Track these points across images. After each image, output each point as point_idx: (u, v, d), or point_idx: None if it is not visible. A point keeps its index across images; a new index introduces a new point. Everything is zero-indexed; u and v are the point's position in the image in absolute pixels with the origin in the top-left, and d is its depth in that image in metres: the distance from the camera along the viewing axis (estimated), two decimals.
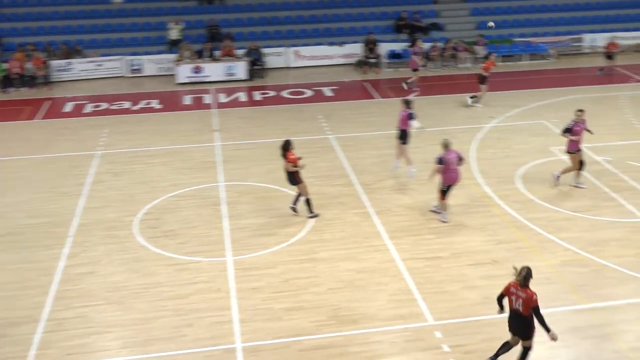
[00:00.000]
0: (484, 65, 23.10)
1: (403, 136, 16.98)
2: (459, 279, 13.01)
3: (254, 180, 17.57)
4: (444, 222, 15.13)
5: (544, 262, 13.46)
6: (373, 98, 24.27)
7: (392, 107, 22.85)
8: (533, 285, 12.63)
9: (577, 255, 13.73)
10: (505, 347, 10.58)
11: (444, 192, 15.06)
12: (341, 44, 28.50)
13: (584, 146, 18.89)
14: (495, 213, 15.52)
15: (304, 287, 12.84)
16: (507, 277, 12.84)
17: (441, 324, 11.67)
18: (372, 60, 27.47)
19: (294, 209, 15.53)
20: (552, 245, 14.14)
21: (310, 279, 13.11)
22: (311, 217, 15.45)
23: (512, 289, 10.12)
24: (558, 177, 16.67)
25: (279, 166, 18.02)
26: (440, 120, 21.12)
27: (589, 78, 26.21)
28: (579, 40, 29.46)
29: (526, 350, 10.34)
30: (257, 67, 27.04)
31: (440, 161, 14.75)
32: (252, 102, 24.29)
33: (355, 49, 28.30)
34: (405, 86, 24.83)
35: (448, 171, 14.83)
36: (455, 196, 16.23)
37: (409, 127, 16.91)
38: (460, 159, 14.95)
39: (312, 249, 14.16)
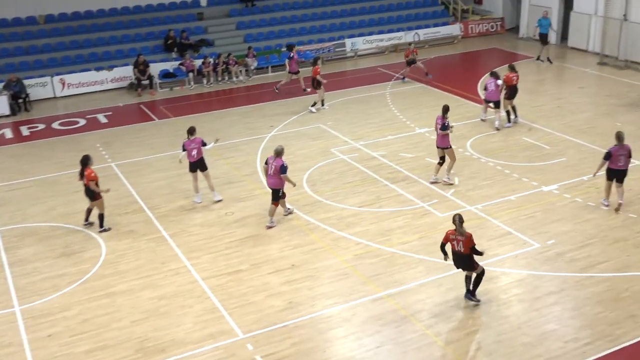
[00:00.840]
0: (313, 70, 23.47)
1: (203, 165, 16.72)
2: (262, 288, 13.15)
3: (34, 220, 16.37)
4: (269, 227, 15.49)
5: (339, 259, 14.04)
6: (152, 120, 23.74)
7: (172, 127, 22.61)
8: (332, 282, 13.24)
9: (368, 247, 14.51)
10: (468, 279, 12.41)
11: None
12: (110, 67, 27.52)
13: (360, 144, 20.10)
14: (288, 218, 15.89)
15: (105, 324, 12.20)
16: (307, 279, 13.35)
17: (251, 335, 11.71)
18: (145, 82, 26.87)
19: (88, 224, 15.78)
20: (344, 241, 14.80)
21: (111, 314, 12.49)
22: (102, 231, 15.52)
23: (452, 236, 11.92)
24: (448, 180, 17.34)
25: (60, 202, 17.11)
26: (223, 135, 21.17)
27: (354, 80, 27.78)
28: (342, 45, 31.19)
29: (480, 275, 12.24)
30: (20, 101, 25.22)
31: (265, 162, 15.52)
32: (19, 138, 22.58)
33: (125, 72, 27.48)
34: (276, 90, 25.57)
35: (266, 176, 15.52)
36: (247, 207, 16.45)
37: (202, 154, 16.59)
38: (277, 169, 15.12)
39: (109, 283, 13.51)
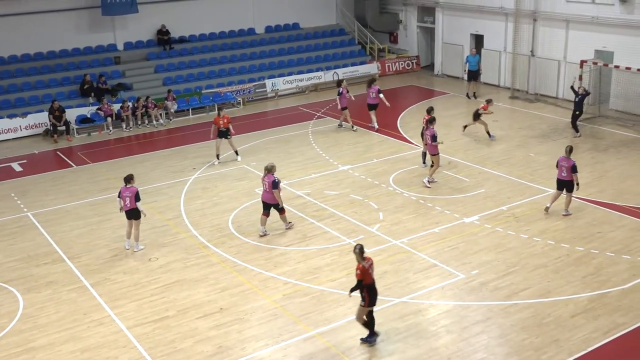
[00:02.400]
0: (214, 119, 22.59)
1: (136, 214, 16.23)
2: (190, 334, 12.84)
3: None
4: (261, 235, 16.77)
5: (267, 299, 13.89)
6: (70, 166, 23.08)
7: (91, 173, 22.09)
8: (262, 323, 13.09)
9: (297, 286, 14.42)
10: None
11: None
12: (24, 114, 26.71)
13: (284, 183, 20.17)
14: (214, 261, 15.66)
15: None
16: (236, 322, 13.14)
17: None
18: (61, 128, 26.18)
19: None
20: (272, 281, 14.67)
21: None
22: None
23: (364, 267, 11.65)
24: (429, 181, 19.51)
25: None
26: (145, 179, 20.80)
27: (275, 120, 27.90)
28: (263, 86, 31.36)
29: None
30: None
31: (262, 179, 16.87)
32: None
33: (40, 119, 26.70)
34: (342, 125, 25.90)
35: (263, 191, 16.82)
36: (171, 252, 16.16)
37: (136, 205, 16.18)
38: (271, 184, 16.34)
39: (27, 339, 12.89)
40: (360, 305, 11.93)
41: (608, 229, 16.51)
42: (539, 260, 15.14)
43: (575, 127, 23.98)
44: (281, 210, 16.84)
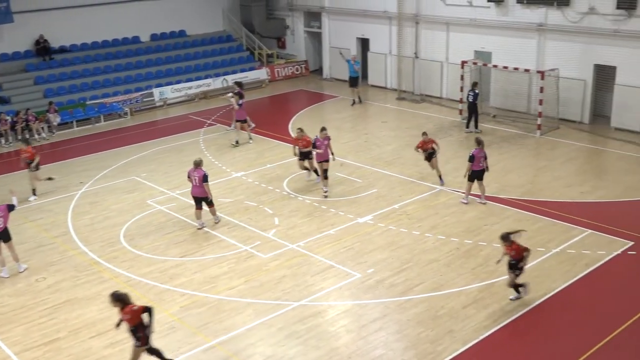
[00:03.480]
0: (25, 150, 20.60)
1: (7, 235, 15.32)
2: (84, 355, 12.35)
3: None
4: (199, 228, 17.23)
5: (164, 313, 13.56)
6: None
7: None
8: (159, 337, 12.77)
9: (194, 297, 14.17)
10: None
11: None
12: None
13: (177, 193, 19.72)
14: (106, 278, 15.14)
15: None
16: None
17: None
18: None
19: None
20: (169, 294, 14.35)
21: None
22: None
23: (134, 309, 11.07)
24: (317, 181, 19.87)
25: None
26: (26, 195, 19.85)
27: (165, 129, 27.36)
28: (150, 95, 30.67)
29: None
30: None
31: (188, 176, 17.21)
32: None
33: None
34: (250, 141, 24.82)
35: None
36: (60, 270, 15.52)
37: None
38: (201, 178, 16.79)
39: None
40: (136, 346, 11.25)
41: (494, 221, 17.23)
42: (431, 255, 15.59)
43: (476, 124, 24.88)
44: (210, 204, 17.28)
